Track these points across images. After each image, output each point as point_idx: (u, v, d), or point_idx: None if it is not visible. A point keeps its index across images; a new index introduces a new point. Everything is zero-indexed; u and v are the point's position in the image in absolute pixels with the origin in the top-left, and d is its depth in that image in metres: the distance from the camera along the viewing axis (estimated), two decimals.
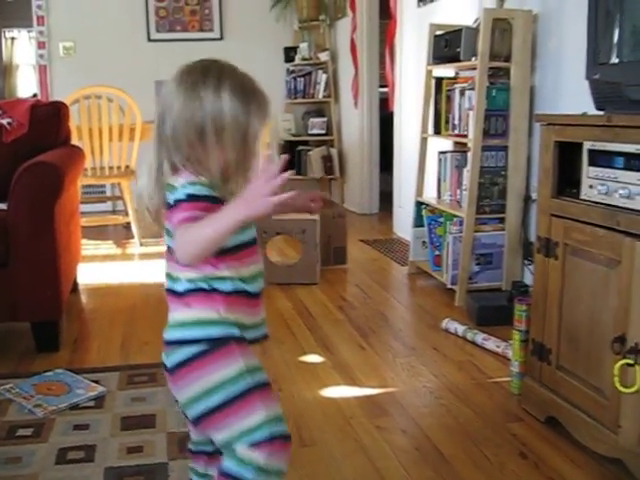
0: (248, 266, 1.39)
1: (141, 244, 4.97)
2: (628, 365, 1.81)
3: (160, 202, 1.36)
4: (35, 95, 6.74)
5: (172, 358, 1.37)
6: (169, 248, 1.37)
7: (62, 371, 2.65)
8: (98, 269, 4.32)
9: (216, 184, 1.31)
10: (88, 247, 4.83)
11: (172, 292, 1.39)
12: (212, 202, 1.29)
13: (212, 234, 1.24)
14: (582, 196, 2.03)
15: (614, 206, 1.90)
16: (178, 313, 1.38)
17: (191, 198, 1.28)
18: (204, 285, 1.35)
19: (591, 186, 1.99)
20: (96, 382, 2.56)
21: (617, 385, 1.83)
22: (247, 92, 1.32)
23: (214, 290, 1.35)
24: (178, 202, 1.29)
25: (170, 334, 1.39)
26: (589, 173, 2.00)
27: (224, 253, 1.33)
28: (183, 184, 1.30)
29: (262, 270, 1.45)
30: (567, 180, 2.15)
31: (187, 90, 1.30)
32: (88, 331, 3.22)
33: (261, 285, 1.44)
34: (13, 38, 10.72)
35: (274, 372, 2.66)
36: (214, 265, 1.34)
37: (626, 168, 1.86)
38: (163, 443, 2.11)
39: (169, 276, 1.39)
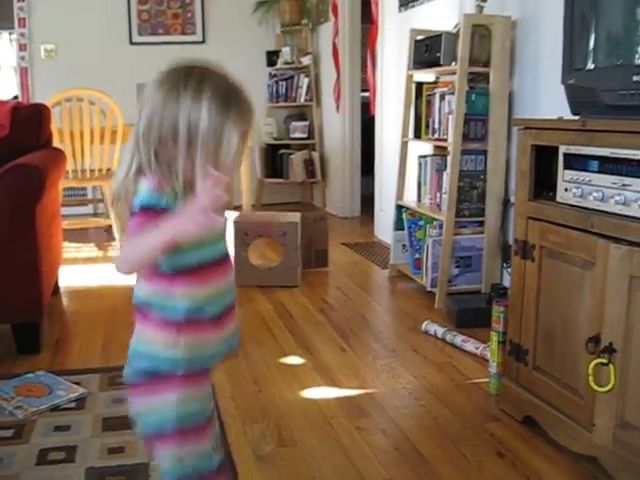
0: (209, 285, 1.34)
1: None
2: (602, 364, 1.84)
3: (128, 199, 1.33)
4: (16, 97, 6.71)
5: (125, 370, 1.37)
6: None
7: (43, 373, 2.65)
8: (79, 271, 4.32)
9: (179, 191, 1.26)
10: (69, 250, 4.82)
11: (135, 302, 1.37)
12: (162, 212, 1.24)
13: (142, 250, 1.24)
14: (558, 199, 2.07)
15: (588, 209, 1.93)
16: (136, 328, 1.37)
17: (143, 209, 1.25)
18: (157, 304, 1.32)
19: (566, 189, 2.02)
20: (77, 384, 2.56)
21: (592, 384, 1.87)
22: (227, 101, 1.25)
23: (166, 314, 1.31)
24: (132, 212, 1.26)
25: (130, 347, 1.38)
26: (565, 176, 2.03)
27: (179, 271, 1.30)
28: (142, 192, 1.26)
29: (230, 286, 1.40)
30: (544, 183, 2.19)
31: (167, 90, 1.25)
32: (69, 333, 3.22)
33: (227, 302, 1.38)
34: None
35: (255, 373, 2.68)
36: (168, 282, 1.31)
37: (600, 171, 1.90)
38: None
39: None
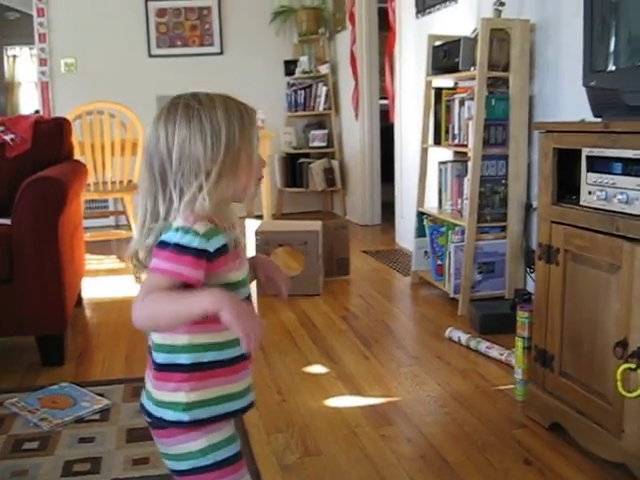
0: (223, 332, 1.24)
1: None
2: (630, 369, 1.81)
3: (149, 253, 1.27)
4: (38, 112, 6.78)
5: (144, 414, 1.33)
6: None
7: (67, 384, 2.66)
8: (102, 283, 4.34)
9: (218, 223, 1.22)
10: (92, 262, 4.84)
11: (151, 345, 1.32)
12: (197, 256, 1.18)
13: (169, 314, 1.19)
14: (582, 202, 2.04)
15: (613, 211, 1.91)
16: (148, 377, 1.32)
17: (177, 248, 1.18)
18: (158, 357, 1.28)
19: (590, 192, 2.00)
20: (101, 395, 2.57)
21: (620, 390, 1.84)
22: (234, 110, 1.25)
23: (176, 366, 1.26)
24: (163, 244, 1.20)
25: (144, 398, 1.33)
26: (588, 179, 2.01)
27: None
28: (176, 228, 1.20)
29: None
30: (567, 187, 2.17)
31: (186, 117, 1.22)
32: (93, 344, 3.23)
33: (240, 351, 1.28)
34: (15, 56, 10.79)
35: (278, 383, 2.67)
36: (185, 331, 1.25)
37: (624, 173, 1.87)
38: None
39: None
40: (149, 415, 1.31)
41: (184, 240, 1.18)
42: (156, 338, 1.29)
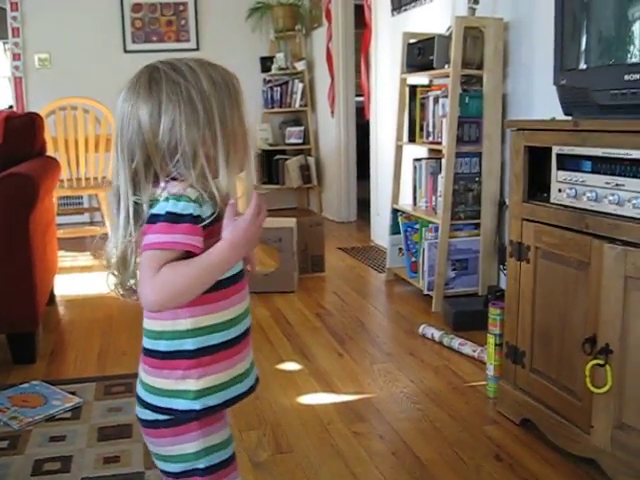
0: (229, 308, 1.21)
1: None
2: (599, 365, 1.83)
3: (137, 241, 1.17)
4: (11, 107, 6.70)
5: (139, 414, 1.26)
6: None
7: (38, 383, 2.64)
8: (75, 280, 4.30)
9: (209, 191, 1.15)
10: (65, 259, 4.80)
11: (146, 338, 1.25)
12: (194, 222, 1.11)
13: (199, 279, 1.12)
14: (552, 200, 2.06)
15: (582, 209, 1.93)
16: (141, 370, 1.26)
17: (171, 217, 1.11)
18: (161, 345, 1.20)
19: (560, 190, 2.02)
20: (73, 393, 2.55)
21: (589, 386, 1.86)
22: (219, 82, 1.20)
23: (182, 352, 1.19)
24: (154, 217, 1.12)
25: (138, 389, 1.27)
26: (558, 177, 2.03)
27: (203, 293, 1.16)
28: (166, 197, 1.12)
29: (248, 306, 1.27)
30: (538, 185, 2.18)
31: (167, 88, 1.15)
32: (65, 342, 3.20)
33: (247, 324, 1.26)
34: None
35: None
36: (188, 315, 1.18)
37: (593, 172, 1.89)
38: (140, 453, 2.10)
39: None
40: (151, 407, 1.23)
41: (177, 207, 1.10)
42: (155, 326, 1.21)
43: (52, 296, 3.72)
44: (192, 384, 1.20)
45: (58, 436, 2.24)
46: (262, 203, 1.17)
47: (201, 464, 1.23)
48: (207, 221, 1.13)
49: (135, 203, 1.16)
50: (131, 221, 1.16)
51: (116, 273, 1.22)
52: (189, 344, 1.19)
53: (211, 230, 1.14)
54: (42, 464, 2.06)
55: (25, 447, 2.17)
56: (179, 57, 1.21)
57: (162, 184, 1.15)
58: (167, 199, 1.11)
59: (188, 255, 1.12)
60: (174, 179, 1.15)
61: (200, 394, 1.20)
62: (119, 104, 1.18)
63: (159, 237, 1.11)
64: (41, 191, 2.88)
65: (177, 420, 1.21)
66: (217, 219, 1.15)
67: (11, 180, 2.77)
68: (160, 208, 1.12)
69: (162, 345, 1.20)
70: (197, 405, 1.20)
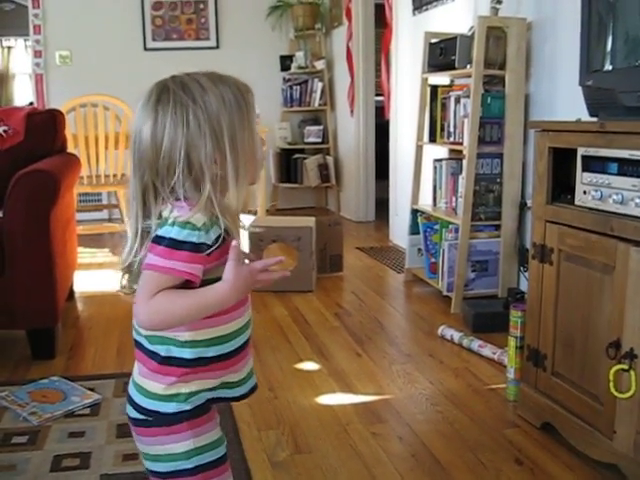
0: (229, 323, 1.23)
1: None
2: (623, 370, 1.81)
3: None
4: (32, 104, 6.74)
5: (130, 412, 1.27)
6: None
7: (57, 378, 2.64)
8: (94, 277, 4.32)
9: (221, 213, 1.15)
10: (85, 255, 4.82)
11: (135, 340, 1.26)
12: (195, 250, 1.13)
13: (186, 311, 1.15)
14: (576, 202, 2.04)
15: (608, 212, 1.90)
16: (136, 369, 1.27)
17: (172, 243, 1.12)
18: (161, 350, 1.21)
19: (585, 192, 1.99)
20: (91, 389, 2.56)
21: (612, 390, 1.83)
22: (229, 96, 1.18)
23: (171, 359, 1.21)
24: (158, 239, 1.14)
25: (130, 387, 1.28)
26: (583, 179, 2.00)
27: None
28: (172, 221, 1.13)
29: (249, 318, 1.29)
30: (562, 186, 2.16)
31: (172, 105, 1.15)
32: (84, 338, 3.21)
33: (246, 337, 1.28)
34: (9, 47, 10.73)
35: (270, 379, 2.66)
36: (187, 328, 1.20)
37: (619, 174, 1.87)
38: None
39: (134, 326, 1.25)
40: (139, 409, 1.24)
41: (181, 235, 1.12)
42: (157, 332, 1.22)
43: (71, 292, 3.73)
44: (184, 387, 1.22)
45: (77, 432, 2.25)
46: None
47: (190, 464, 1.24)
48: (212, 248, 1.15)
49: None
50: (138, 240, 1.20)
51: (127, 275, 1.27)
52: (187, 353, 1.21)
53: (216, 253, 1.16)
54: (61, 460, 2.07)
55: (44, 443, 2.18)
56: (193, 72, 1.21)
57: (169, 205, 1.16)
58: (173, 224, 1.13)
59: (187, 280, 1.15)
60: (184, 198, 1.16)
61: (191, 395, 1.23)
62: (134, 119, 1.21)
63: (160, 260, 1.13)
64: (62, 187, 2.90)
65: (168, 420, 1.23)
66: (224, 240, 1.16)
67: (33, 176, 2.78)
68: (165, 231, 1.14)
69: (163, 350, 1.21)
70: (188, 406, 1.23)
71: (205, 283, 1.16)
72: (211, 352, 1.22)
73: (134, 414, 1.26)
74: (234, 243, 1.15)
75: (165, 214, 1.16)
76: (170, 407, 1.22)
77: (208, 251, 1.14)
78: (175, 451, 1.23)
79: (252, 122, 1.21)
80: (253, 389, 1.34)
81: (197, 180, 1.16)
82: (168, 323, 1.17)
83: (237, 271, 1.14)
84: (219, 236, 1.16)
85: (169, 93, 1.17)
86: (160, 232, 1.14)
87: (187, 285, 1.15)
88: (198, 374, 1.22)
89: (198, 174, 1.15)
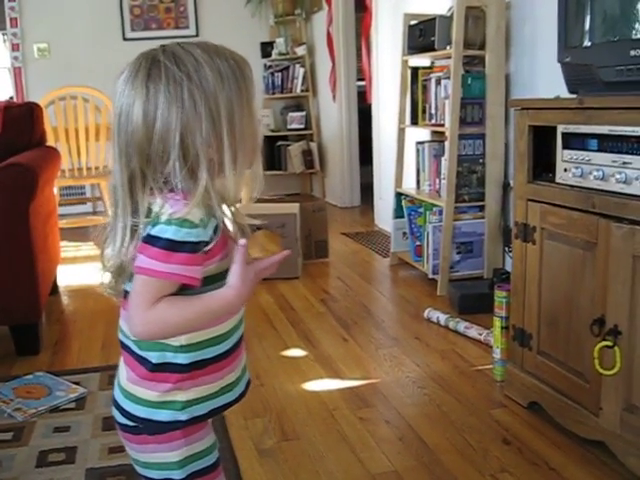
0: (224, 322, 1.14)
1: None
2: (607, 347, 1.81)
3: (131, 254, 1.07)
4: (12, 98, 6.66)
5: (117, 418, 1.19)
6: (127, 294, 1.11)
7: (42, 374, 2.62)
8: (79, 271, 4.28)
9: (218, 204, 1.06)
10: (69, 249, 4.78)
11: (122, 343, 1.17)
12: (192, 252, 1.02)
13: (195, 324, 1.07)
14: (557, 180, 2.03)
15: (589, 188, 1.89)
16: (123, 373, 1.17)
17: (169, 244, 1.01)
18: (153, 357, 1.12)
19: (566, 169, 1.98)
20: (77, 383, 2.54)
21: (597, 367, 1.83)
22: (227, 72, 1.07)
23: (164, 365, 1.12)
24: (152, 239, 1.02)
25: (115, 393, 1.20)
26: (563, 156, 1.99)
27: None
28: (168, 219, 1.01)
29: (242, 316, 1.20)
30: (543, 165, 2.15)
31: (174, 99, 1.03)
32: (69, 333, 3.19)
33: (241, 332, 1.20)
34: None
35: (256, 367, 2.64)
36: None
37: (600, 150, 1.86)
38: None
39: (121, 328, 1.17)
40: (127, 415, 1.16)
41: (179, 235, 1.00)
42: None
43: (55, 286, 3.70)
44: (180, 395, 1.13)
45: (62, 427, 2.23)
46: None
47: (183, 473, 1.17)
48: (211, 244, 1.04)
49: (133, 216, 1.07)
50: (128, 236, 1.07)
51: (111, 276, 1.14)
52: (181, 358, 1.11)
53: (215, 248, 1.06)
54: (47, 455, 2.05)
55: (29, 438, 2.16)
56: (185, 43, 1.10)
57: (158, 198, 1.04)
58: (169, 222, 1.01)
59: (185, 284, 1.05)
60: (179, 189, 1.05)
61: (188, 404, 1.14)
62: (116, 95, 1.06)
63: (155, 264, 1.01)
64: (41, 181, 2.86)
65: (160, 428, 1.14)
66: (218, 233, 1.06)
67: (10, 170, 2.74)
68: (160, 231, 1.01)
69: (154, 357, 1.12)
70: (184, 416, 1.14)
71: (206, 282, 1.07)
72: (208, 354, 1.13)
73: (122, 420, 1.17)
74: (242, 242, 1.05)
75: (155, 209, 1.03)
76: (163, 415, 1.13)
77: (206, 248, 1.04)
78: (166, 460, 1.16)
79: (251, 99, 1.09)
80: (249, 383, 1.26)
81: (192, 168, 1.04)
82: (167, 333, 1.07)
83: (244, 276, 1.05)
84: (216, 228, 1.05)
85: (160, 67, 1.04)
86: (154, 231, 1.01)
87: (184, 287, 1.06)
88: (195, 379, 1.13)
89: (193, 161, 1.03)
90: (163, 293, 1.03)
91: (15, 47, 6.44)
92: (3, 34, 9.43)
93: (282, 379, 2.55)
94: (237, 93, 1.06)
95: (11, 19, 6.40)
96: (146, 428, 1.15)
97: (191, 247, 1.01)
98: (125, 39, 6.59)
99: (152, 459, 1.17)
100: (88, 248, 4.98)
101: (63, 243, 4.04)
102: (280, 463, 1.98)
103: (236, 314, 1.16)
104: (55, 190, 4.04)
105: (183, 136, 1.02)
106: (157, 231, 1.01)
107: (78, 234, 5.30)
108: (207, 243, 1.03)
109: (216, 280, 1.08)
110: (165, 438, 1.15)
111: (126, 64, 1.09)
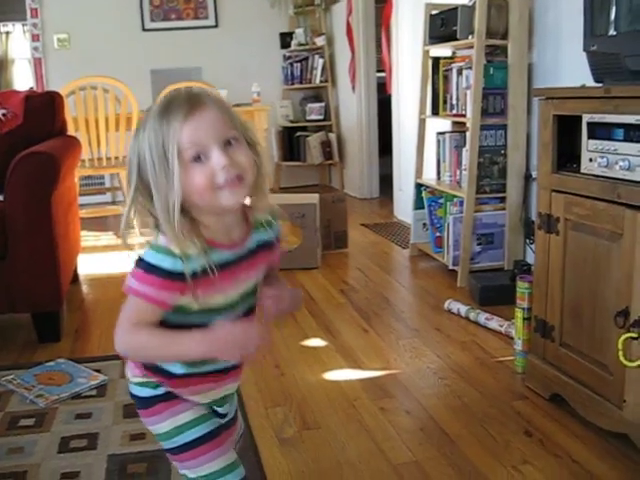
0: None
1: (141, 234, 4.94)
2: (632, 339, 1.79)
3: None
4: (32, 89, 6.70)
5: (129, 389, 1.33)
6: None
7: (64, 361, 2.64)
8: (98, 260, 4.30)
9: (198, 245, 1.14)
10: (88, 238, 4.81)
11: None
12: (166, 277, 1.11)
13: (161, 356, 1.19)
14: (582, 170, 2.01)
15: (614, 178, 1.87)
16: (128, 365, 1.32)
17: (144, 266, 1.13)
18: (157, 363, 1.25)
19: (591, 159, 1.96)
20: (98, 371, 2.55)
21: (621, 359, 1.81)
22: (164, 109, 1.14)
23: (168, 372, 1.24)
24: (136, 261, 1.15)
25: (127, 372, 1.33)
26: (589, 146, 1.97)
27: (188, 326, 1.17)
28: (151, 245, 1.15)
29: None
30: (567, 155, 2.13)
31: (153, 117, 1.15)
32: (89, 321, 3.20)
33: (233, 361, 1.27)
34: (8, 32, 10.66)
35: (276, 356, 2.65)
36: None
37: (626, 139, 1.83)
38: None
39: None
40: (130, 394, 1.31)
41: (153, 258, 1.12)
42: None
43: (76, 275, 3.72)
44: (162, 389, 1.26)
45: (84, 413, 2.24)
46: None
47: (175, 443, 1.26)
48: (188, 279, 1.11)
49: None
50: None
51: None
52: (177, 368, 1.23)
53: (202, 281, 1.13)
54: (68, 441, 2.06)
55: (51, 425, 2.17)
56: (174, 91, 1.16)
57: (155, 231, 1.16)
58: (151, 247, 1.13)
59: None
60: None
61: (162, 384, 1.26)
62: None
63: (133, 282, 1.13)
64: (62, 169, 2.87)
65: (145, 403, 1.27)
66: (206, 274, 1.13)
67: (32, 158, 2.75)
68: (143, 254, 1.14)
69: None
70: (159, 391, 1.26)
71: (184, 310, 1.16)
72: (204, 369, 1.23)
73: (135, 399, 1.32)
74: (268, 304, 1.22)
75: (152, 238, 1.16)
76: (145, 392, 1.26)
77: (187, 278, 1.11)
78: (158, 431, 1.27)
79: (173, 160, 1.11)
80: (233, 419, 1.40)
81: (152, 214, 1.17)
82: (142, 358, 1.22)
83: (223, 332, 1.12)
84: (202, 267, 1.12)
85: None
86: (141, 254, 1.14)
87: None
88: (184, 384, 1.24)
89: (157, 207, 1.14)
90: (144, 314, 1.14)
91: (35, 38, 6.47)
92: (23, 25, 9.50)
93: (302, 368, 2.55)
94: (155, 136, 1.13)
95: (31, 10, 6.43)
96: (138, 404, 1.29)
97: (162, 273, 1.11)
98: (144, 29, 6.60)
99: (155, 431, 1.28)
100: (107, 237, 5.01)
101: (82, 232, 4.05)
102: (301, 452, 1.98)
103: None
104: (75, 179, 4.06)
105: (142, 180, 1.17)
106: (142, 254, 1.14)
107: (97, 224, 5.33)
108: (184, 276, 1.11)
109: (221, 312, 1.19)
110: (151, 412, 1.26)
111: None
